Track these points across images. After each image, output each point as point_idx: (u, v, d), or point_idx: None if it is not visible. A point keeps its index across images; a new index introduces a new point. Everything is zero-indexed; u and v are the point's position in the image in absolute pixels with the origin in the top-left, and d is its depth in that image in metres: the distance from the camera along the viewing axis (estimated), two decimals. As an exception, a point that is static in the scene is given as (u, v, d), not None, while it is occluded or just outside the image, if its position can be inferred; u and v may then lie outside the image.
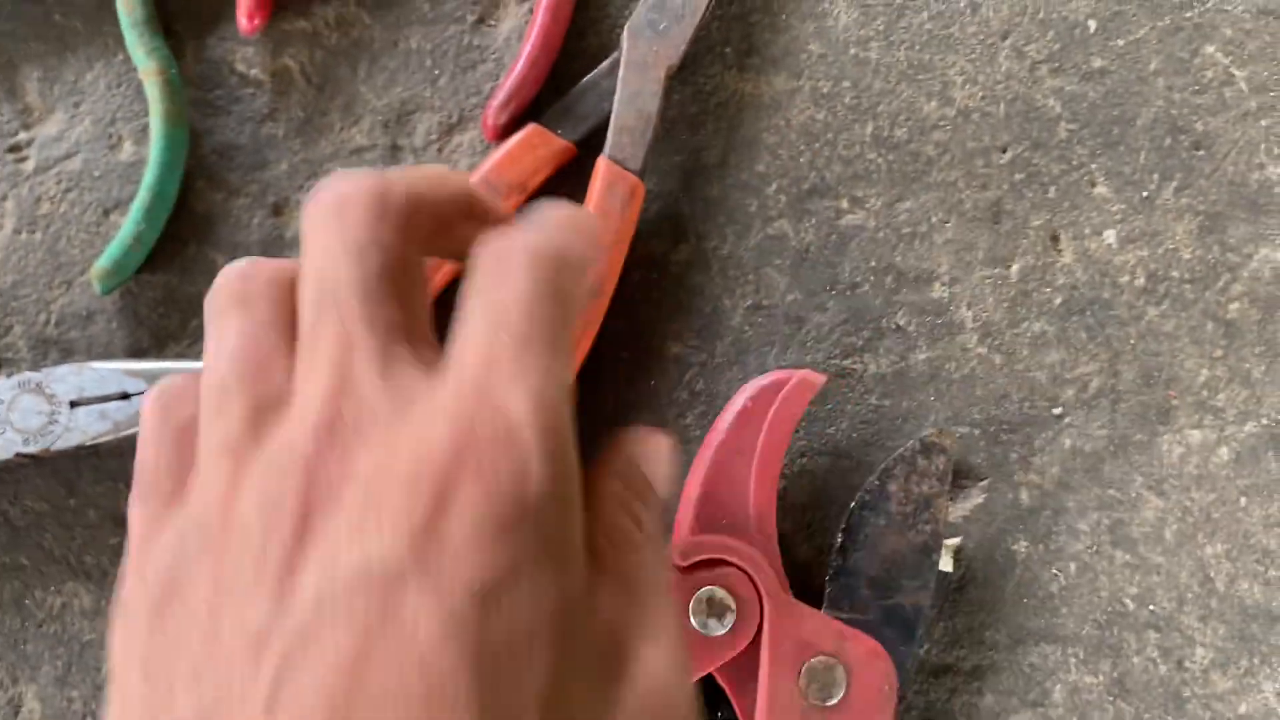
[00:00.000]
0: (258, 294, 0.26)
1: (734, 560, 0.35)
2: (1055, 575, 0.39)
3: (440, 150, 0.40)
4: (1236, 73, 0.40)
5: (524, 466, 0.22)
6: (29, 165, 0.40)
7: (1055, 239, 0.40)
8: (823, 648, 0.35)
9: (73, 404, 0.36)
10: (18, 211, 0.40)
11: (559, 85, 0.39)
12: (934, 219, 0.40)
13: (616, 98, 0.38)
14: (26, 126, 0.40)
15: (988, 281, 0.40)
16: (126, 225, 0.38)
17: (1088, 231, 0.40)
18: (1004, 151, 0.40)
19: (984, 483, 0.39)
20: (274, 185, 0.40)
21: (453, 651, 0.20)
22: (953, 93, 0.40)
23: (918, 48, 0.40)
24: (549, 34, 0.39)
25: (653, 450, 0.27)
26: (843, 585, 0.36)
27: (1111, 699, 0.38)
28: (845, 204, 0.40)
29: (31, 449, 0.36)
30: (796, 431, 0.38)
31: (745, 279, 0.40)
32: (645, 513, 0.26)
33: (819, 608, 0.36)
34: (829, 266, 0.40)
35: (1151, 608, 0.39)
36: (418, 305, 0.25)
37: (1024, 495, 0.39)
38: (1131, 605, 0.39)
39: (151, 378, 0.36)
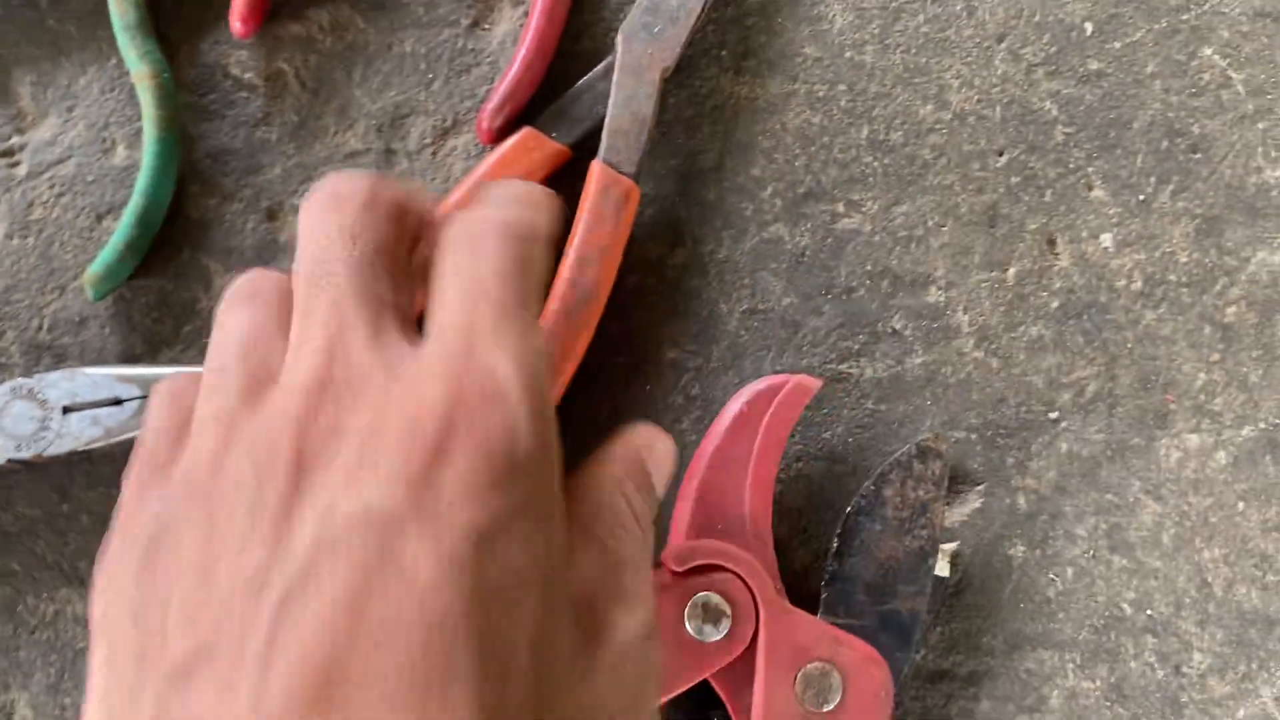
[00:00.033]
0: (262, 293, 0.27)
1: (729, 566, 0.35)
2: (1052, 580, 0.39)
3: (435, 154, 0.40)
4: (1234, 75, 0.40)
5: (513, 423, 0.23)
6: (22, 170, 0.40)
7: (1052, 242, 0.40)
8: (818, 653, 0.35)
9: (65, 409, 0.36)
10: (10, 216, 0.39)
11: (554, 89, 0.39)
12: (930, 223, 0.40)
13: (611, 101, 0.38)
14: (19, 131, 0.40)
15: (984, 285, 0.39)
16: (119, 230, 0.38)
17: (1084, 235, 0.39)
18: (1000, 155, 0.40)
19: (980, 487, 0.39)
20: (268, 190, 0.40)
21: (451, 592, 0.21)
22: (949, 96, 0.40)
23: (913, 51, 0.40)
24: (543, 37, 0.39)
25: (657, 448, 0.29)
26: (839, 591, 0.36)
27: (1109, 704, 0.38)
28: (841, 208, 0.40)
29: (24, 455, 0.36)
30: (792, 436, 0.38)
31: (741, 283, 0.39)
32: (637, 497, 0.28)
33: (815, 613, 0.36)
34: (825, 270, 0.39)
35: (1149, 613, 0.39)
36: (404, 290, 0.27)
37: (1021, 500, 0.39)
38: (1129, 610, 0.39)
39: (144, 383, 0.36)
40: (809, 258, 0.40)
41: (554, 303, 0.37)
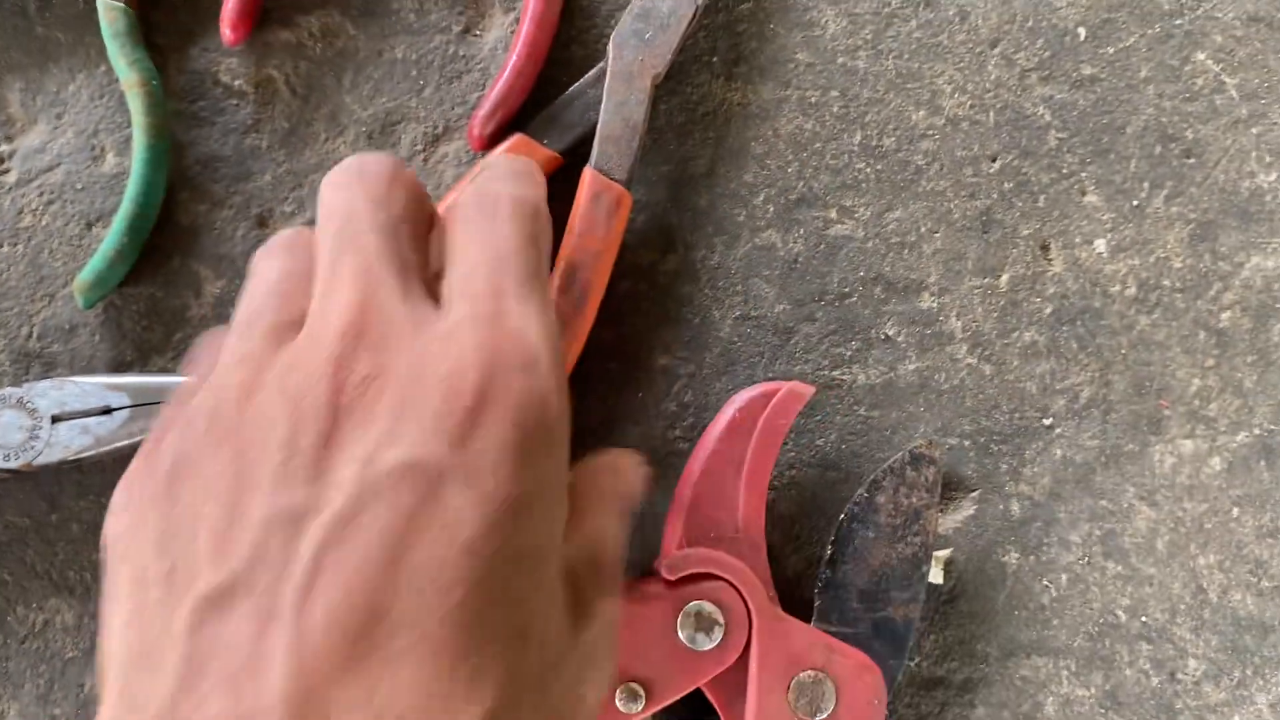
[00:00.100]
0: (295, 246, 0.27)
1: (722, 574, 0.35)
2: (1046, 587, 0.39)
3: (426, 160, 0.40)
4: (1227, 80, 0.40)
5: (544, 393, 0.24)
6: (11, 177, 0.39)
7: (1045, 248, 0.39)
8: (812, 662, 0.35)
9: (54, 419, 0.36)
10: (-1, 224, 0.39)
11: (545, 95, 0.39)
12: (923, 228, 0.39)
13: (602, 107, 0.38)
14: (8, 138, 0.40)
15: (977, 291, 0.39)
16: (109, 238, 0.37)
17: (1078, 240, 0.39)
18: (993, 160, 0.40)
19: (974, 494, 0.39)
20: (258, 196, 0.39)
21: (490, 551, 0.22)
22: (941, 101, 0.40)
23: (906, 56, 0.40)
24: (535, 44, 0.38)
25: (623, 463, 0.30)
26: (832, 598, 0.36)
27: (1104, 711, 0.38)
28: (834, 214, 0.40)
29: (13, 464, 0.36)
30: (785, 443, 0.38)
31: (733, 289, 0.39)
32: (621, 490, 0.29)
33: (808, 620, 0.36)
34: (817, 277, 0.39)
35: (1144, 619, 0.38)
36: (425, 262, 0.27)
37: (1014, 506, 0.39)
38: (1123, 617, 0.38)
39: (134, 392, 0.36)
40: (801, 264, 0.39)
41: (545, 310, 0.37)
